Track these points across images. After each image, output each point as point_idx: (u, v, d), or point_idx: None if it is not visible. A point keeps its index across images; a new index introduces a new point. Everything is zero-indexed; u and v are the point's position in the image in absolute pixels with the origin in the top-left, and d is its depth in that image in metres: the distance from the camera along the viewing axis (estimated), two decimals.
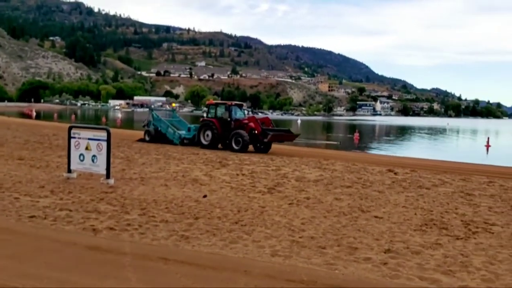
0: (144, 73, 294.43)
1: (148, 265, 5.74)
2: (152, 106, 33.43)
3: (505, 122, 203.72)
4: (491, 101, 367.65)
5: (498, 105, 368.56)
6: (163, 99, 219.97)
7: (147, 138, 25.82)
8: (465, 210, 10.12)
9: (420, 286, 5.53)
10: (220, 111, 24.17)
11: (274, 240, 7.16)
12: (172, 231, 7.36)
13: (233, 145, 22.25)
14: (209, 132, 23.38)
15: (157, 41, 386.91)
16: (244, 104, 26.49)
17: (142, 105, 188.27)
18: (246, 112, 25.11)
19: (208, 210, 8.94)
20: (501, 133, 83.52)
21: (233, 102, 25.29)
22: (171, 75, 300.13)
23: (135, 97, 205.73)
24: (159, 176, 12.85)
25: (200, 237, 7.13)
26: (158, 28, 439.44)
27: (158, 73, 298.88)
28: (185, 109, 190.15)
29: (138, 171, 13.62)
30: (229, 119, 23.42)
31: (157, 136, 25.59)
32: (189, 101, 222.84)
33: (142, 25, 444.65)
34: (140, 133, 27.59)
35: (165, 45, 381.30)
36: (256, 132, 22.40)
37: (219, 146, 23.42)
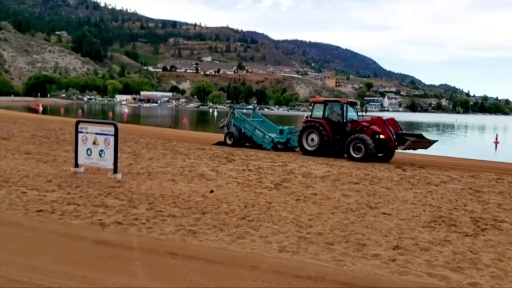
0: (150, 68, 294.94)
1: (155, 260, 5.74)
2: (233, 105, 29.34)
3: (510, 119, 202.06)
4: (499, 98, 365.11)
5: (507, 101, 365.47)
6: (170, 94, 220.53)
7: (229, 142, 22.54)
8: (474, 207, 10.04)
9: (429, 282, 5.48)
10: (330, 110, 20.30)
11: (282, 235, 7.13)
12: (179, 226, 7.36)
13: (352, 152, 18.33)
14: (315, 136, 19.58)
15: (164, 36, 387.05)
16: (358, 102, 22.27)
17: (148, 100, 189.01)
18: (360, 112, 21.06)
19: (215, 205, 8.92)
20: (510, 130, 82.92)
21: (348, 100, 21.48)
22: (178, 70, 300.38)
23: (142, 92, 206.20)
24: (166, 171, 12.85)
25: (207, 232, 7.12)
26: (164, 23, 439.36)
27: (164, 68, 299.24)
28: (191, 105, 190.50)
29: (145, 166, 13.63)
30: (343, 120, 19.70)
31: (241, 139, 22.63)
32: (195, 96, 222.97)
33: (148, 20, 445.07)
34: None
35: (171, 40, 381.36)
36: (381, 137, 18.59)
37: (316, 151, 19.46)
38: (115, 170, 11.23)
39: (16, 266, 5.32)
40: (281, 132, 21.82)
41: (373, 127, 18.87)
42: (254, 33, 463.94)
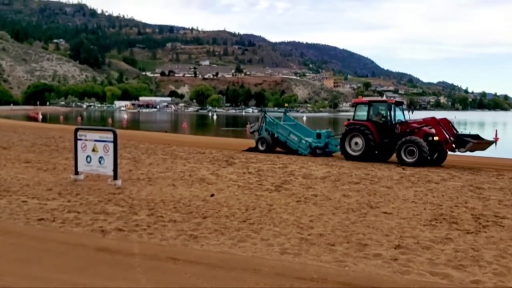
0: (148, 74, 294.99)
1: (157, 266, 5.74)
2: (264, 109, 27.39)
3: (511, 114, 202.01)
4: (498, 94, 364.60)
5: (505, 97, 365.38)
6: (169, 99, 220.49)
7: (261, 148, 21.30)
8: (474, 204, 10.04)
9: (432, 281, 5.48)
10: (376, 111, 18.96)
11: (283, 238, 7.13)
12: (180, 231, 7.35)
13: (404, 157, 17.03)
14: (359, 140, 18.24)
15: (161, 41, 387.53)
16: (404, 102, 20.70)
17: (147, 106, 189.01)
18: (408, 112, 19.44)
19: (216, 209, 8.92)
20: (509, 125, 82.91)
21: (394, 99, 20.00)
22: (176, 75, 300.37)
23: (141, 98, 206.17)
24: (166, 176, 12.85)
25: (208, 236, 7.11)
26: (161, 28, 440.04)
27: (162, 73, 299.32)
28: (191, 109, 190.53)
29: (145, 172, 13.63)
30: (391, 122, 18.31)
31: (274, 145, 21.56)
32: (194, 100, 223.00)
33: (145, 25, 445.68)
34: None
35: (169, 45, 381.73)
36: (435, 139, 17.27)
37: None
38: (115, 177, 11.24)
39: (18, 275, 5.32)
40: (319, 136, 20.68)
41: (425, 128, 17.72)
42: (251, 35, 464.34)
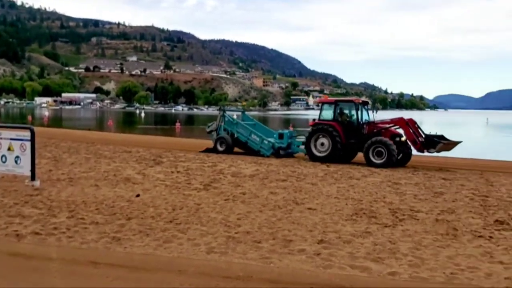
0: (72, 69, 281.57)
1: (77, 270, 5.50)
2: (223, 107, 25.65)
3: (427, 113, 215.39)
4: (414, 94, 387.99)
5: (421, 97, 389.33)
6: (94, 95, 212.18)
7: (220, 148, 20.38)
8: (392, 198, 10.59)
9: (352, 274, 5.70)
10: (343, 111, 18.55)
11: (210, 237, 7.10)
12: (102, 233, 7.09)
13: (372, 158, 16.80)
14: (325, 140, 17.77)
15: (86, 35, 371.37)
16: (369, 101, 20.01)
17: (71, 102, 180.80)
18: (373, 112, 19.08)
19: (141, 209, 8.70)
20: (425, 124, 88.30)
21: (361, 99, 19.49)
22: (101, 70, 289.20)
23: (63, 94, 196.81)
24: (89, 176, 12.35)
25: (132, 238, 6.92)
26: (86, 22, 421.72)
27: (87, 69, 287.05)
28: (117, 106, 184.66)
29: (67, 172, 13.01)
30: (358, 122, 17.96)
31: (234, 145, 20.63)
32: (121, 97, 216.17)
33: (69, 19, 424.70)
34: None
35: (94, 39, 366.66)
36: (402, 139, 17.18)
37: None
38: (33, 177, 10.64)
39: None
40: (281, 136, 19.91)
41: (392, 129, 17.60)
42: (181, 32, 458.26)
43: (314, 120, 19.18)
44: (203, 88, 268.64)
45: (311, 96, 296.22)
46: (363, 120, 18.15)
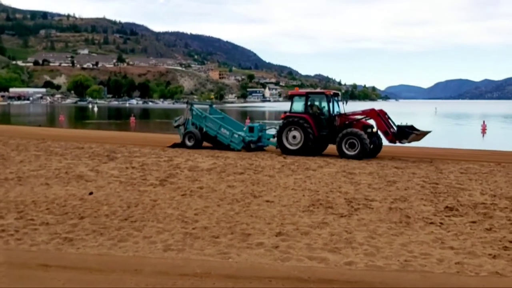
0: (20, 63, 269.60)
1: (26, 274, 5.25)
2: (191, 100, 24.75)
3: (379, 104, 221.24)
4: (367, 85, 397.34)
5: (373, 88, 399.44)
6: (43, 90, 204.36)
7: (189, 143, 19.66)
8: (347, 188, 10.78)
9: (309, 266, 5.75)
10: (314, 103, 18.40)
11: (167, 234, 6.98)
12: (53, 234, 6.83)
13: (345, 149, 16.75)
14: (297, 133, 17.59)
15: (34, 28, 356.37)
16: (339, 93, 19.62)
17: (19, 98, 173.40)
18: (343, 104, 18.91)
19: (95, 208, 8.45)
20: None
21: (332, 91, 18.95)
22: (51, 64, 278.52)
23: (11, 89, 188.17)
24: (39, 175, 11.88)
25: (85, 238, 6.70)
26: (34, 14, 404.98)
27: (36, 62, 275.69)
28: (68, 100, 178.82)
29: (15, 170, 12.47)
30: (330, 114, 17.85)
31: (203, 140, 20.02)
32: (72, 91, 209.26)
33: (15, 10, 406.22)
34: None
35: (42, 32, 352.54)
36: (373, 130, 17.43)
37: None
38: None
39: None
40: (251, 129, 19.45)
41: (363, 120, 17.66)
42: (133, 24, 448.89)
43: (285, 112, 18.82)
44: (158, 81, 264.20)
45: (267, 88, 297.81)
46: (335, 112, 18.09)
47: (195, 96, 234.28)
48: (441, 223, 7.82)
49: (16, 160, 14.61)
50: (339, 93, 19.66)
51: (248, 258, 5.98)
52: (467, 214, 8.44)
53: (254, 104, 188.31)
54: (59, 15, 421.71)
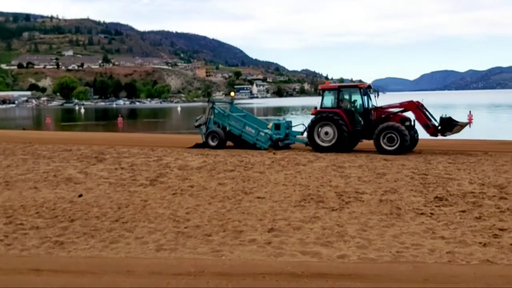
0: (3, 66, 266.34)
1: (17, 280, 5.20)
2: (212, 98, 23.83)
3: None
4: (354, 79, 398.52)
5: (360, 81, 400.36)
6: (29, 93, 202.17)
7: (212, 143, 18.86)
8: (338, 182, 10.82)
9: (303, 261, 5.76)
10: (347, 97, 17.53)
11: (159, 234, 6.95)
12: (44, 238, 6.76)
13: (383, 144, 15.99)
14: (330, 129, 16.72)
15: (16, 30, 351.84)
16: (371, 85, 18.42)
17: (4, 101, 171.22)
18: (375, 97, 17.85)
19: (85, 210, 8.38)
20: None
21: (366, 84, 17.91)
22: (36, 66, 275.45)
23: None
24: (27, 178, 11.75)
25: (76, 241, 6.64)
26: (16, 16, 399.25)
27: (20, 65, 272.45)
28: (55, 103, 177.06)
29: (2, 175, 12.31)
30: (365, 108, 16.98)
31: (226, 139, 19.21)
32: (58, 94, 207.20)
33: None
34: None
35: (25, 34, 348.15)
36: (410, 123, 16.63)
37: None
38: None
39: None
40: (277, 126, 18.75)
41: (400, 113, 16.88)
42: (118, 24, 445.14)
43: (315, 108, 17.89)
44: (145, 81, 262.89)
45: (254, 84, 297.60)
46: (369, 105, 17.28)
47: (182, 95, 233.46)
48: (431, 213, 7.88)
49: (3, 164, 14.42)
50: (371, 85, 18.42)
51: (241, 255, 5.98)
52: (456, 203, 8.52)
53: (242, 101, 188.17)
54: (42, 16, 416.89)
